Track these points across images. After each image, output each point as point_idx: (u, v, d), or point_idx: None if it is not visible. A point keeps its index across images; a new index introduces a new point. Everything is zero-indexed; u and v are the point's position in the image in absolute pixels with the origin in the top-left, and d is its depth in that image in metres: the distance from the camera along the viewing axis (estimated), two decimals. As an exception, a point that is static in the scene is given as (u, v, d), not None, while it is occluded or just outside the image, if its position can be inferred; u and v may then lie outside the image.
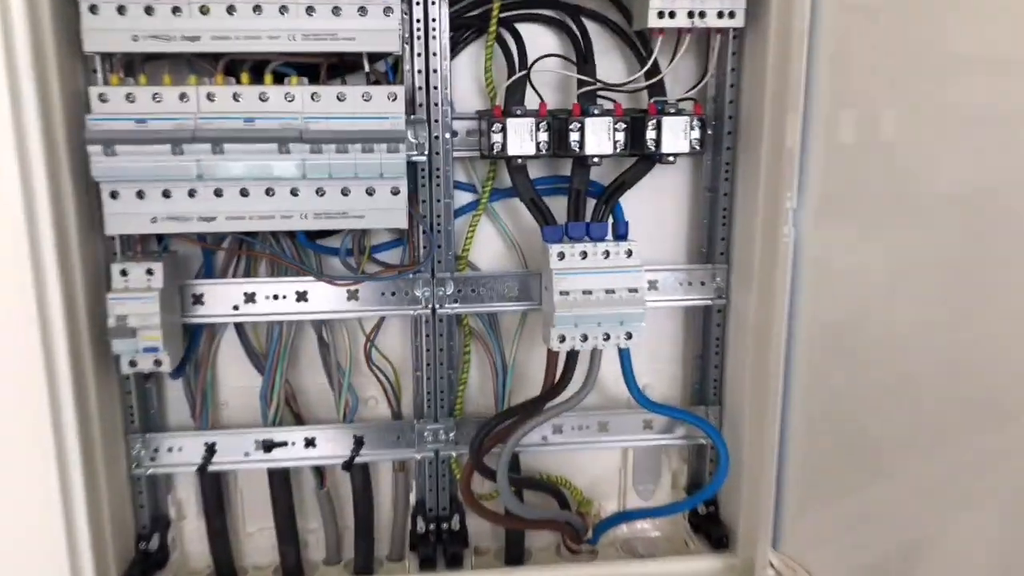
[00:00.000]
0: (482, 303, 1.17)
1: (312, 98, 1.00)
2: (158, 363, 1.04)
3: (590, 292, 1.08)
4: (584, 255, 1.09)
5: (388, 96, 1.01)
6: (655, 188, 1.20)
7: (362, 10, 0.98)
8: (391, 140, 1.00)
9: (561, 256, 1.09)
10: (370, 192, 1.04)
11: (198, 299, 1.12)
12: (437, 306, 1.16)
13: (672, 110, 1.07)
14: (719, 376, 1.24)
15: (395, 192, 1.04)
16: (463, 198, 1.21)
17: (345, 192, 1.03)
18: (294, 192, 1.02)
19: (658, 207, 1.23)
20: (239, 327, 1.18)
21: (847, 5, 0.94)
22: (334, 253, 1.15)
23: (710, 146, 1.16)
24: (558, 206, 1.17)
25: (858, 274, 0.97)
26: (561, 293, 1.07)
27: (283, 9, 0.97)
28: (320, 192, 1.03)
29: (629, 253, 1.10)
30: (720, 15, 1.04)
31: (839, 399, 1.01)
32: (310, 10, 0.98)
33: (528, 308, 1.18)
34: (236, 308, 1.13)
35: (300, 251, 1.15)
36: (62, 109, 0.97)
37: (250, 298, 1.13)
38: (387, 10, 0.99)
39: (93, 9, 0.95)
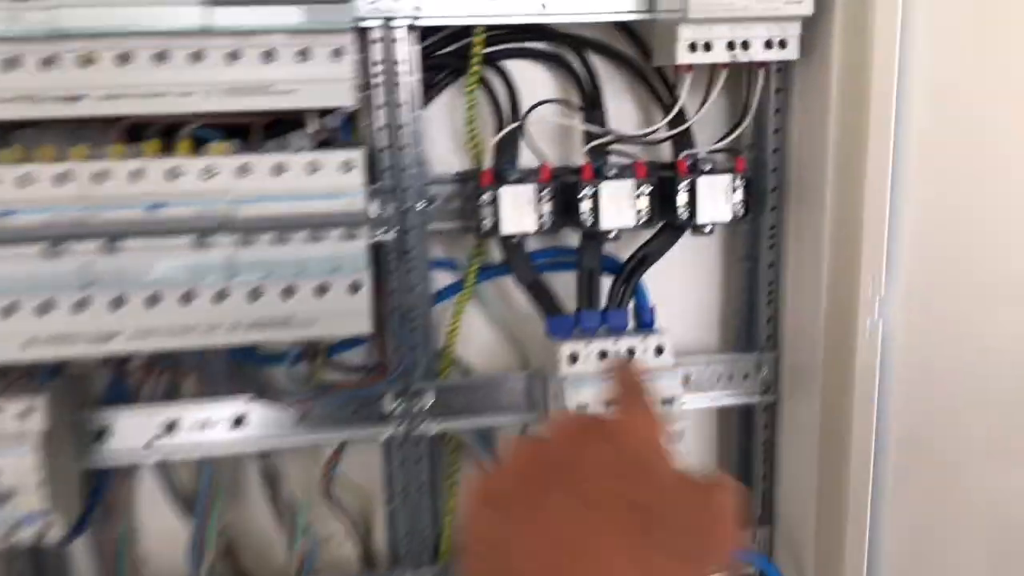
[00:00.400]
0: (472, 416, 0.92)
1: (241, 171, 0.75)
2: (43, 533, 0.77)
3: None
4: (603, 355, 0.85)
5: (342, 165, 0.76)
6: (678, 256, 0.96)
7: (303, 54, 0.74)
8: (348, 223, 0.75)
9: (574, 359, 0.85)
10: (322, 290, 0.79)
11: (102, 434, 0.86)
12: (413, 425, 0.91)
13: (708, 166, 0.83)
14: (767, 489, 1.00)
15: (355, 289, 0.79)
16: (444, 279, 0.96)
17: (289, 293, 0.78)
18: (220, 297, 0.77)
19: (683, 280, 1.00)
20: (162, 467, 0.91)
21: (952, 28, 0.71)
22: (279, 361, 0.89)
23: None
24: (562, 283, 0.93)
25: (963, 376, 0.74)
26: (578, 407, 0.83)
27: (196, 56, 0.72)
28: (255, 295, 0.77)
29: (660, 350, 0.86)
30: (768, 45, 0.81)
31: (936, 531, 0.78)
32: (233, 56, 0.73)
33: (530, 422, 0.94)
34: (153, 442, 0.87)
35: (234, 363, 0.89)
36: None
37: (171, 428, 0.87)
38: (336, 53, 0.74)
39: (-69, 63, 0.69)
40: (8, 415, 0.76)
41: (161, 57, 0.72)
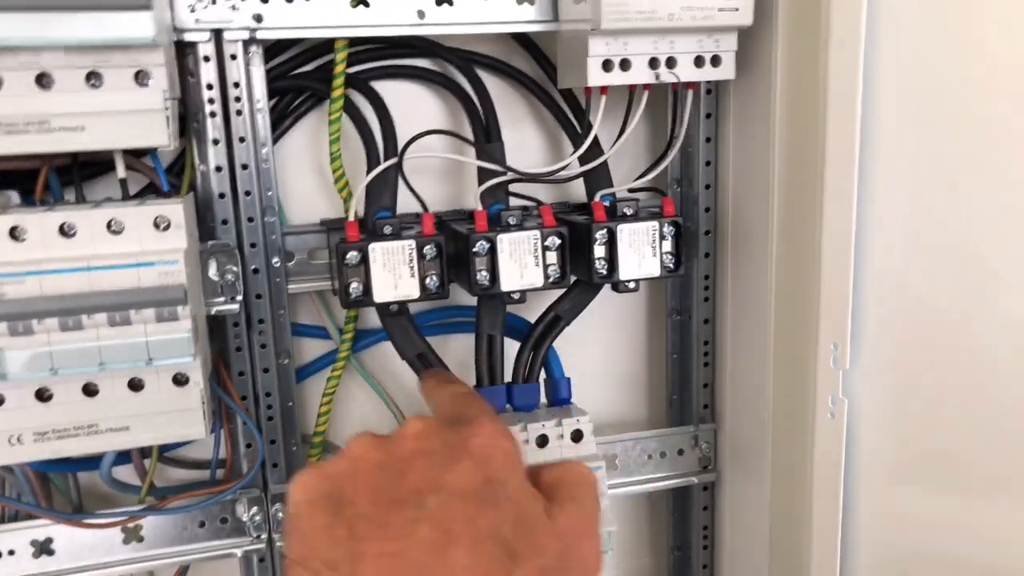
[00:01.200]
0: (351, 521, 0.74)
1: (12, 236, 0.56)
2: None
3: (524, 512, 0.67)
4: (508, 447, 0.68)
5: (155, 223, 0.58)
6: (595, 314, 0.80)
7: (94, 78, 0.55)
8: (162, 303, 0.57)
9: (472, 453, 0.68)
10: (136, 387, 0.60)
11: None
12: (276, 535, 0.73)
13: (630, 211, 0.68)
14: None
15: (180, 382, 0.61)
16: (312, 348, 0.78)
17: (90, 392, 0.59)
18: (-7, 401, 0.57)
19: (602, 343, 0.84)
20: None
21: (930, 26, 0.57)
22: (95, 466, 0.69)
23: (680, 253, 0.78)
24: (461, 348, 0.76)
25: (950, 467, 0.60)
26: (477, 520, 0.66)
27: (-62, 81, 0.53)
28: (44, 396, 0.58)
29: (578, 436, 0.70)
30: (699, 62, 0.66)
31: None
32: (-8, 82, 0.54)
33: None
34: (-75, 582, 0.66)
35: (36, 475, 0.69)
36: None
37: (-51, 562, 0.66)
38: (141, 77, 0.56)
39: None
40: None
41: None
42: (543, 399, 0.73)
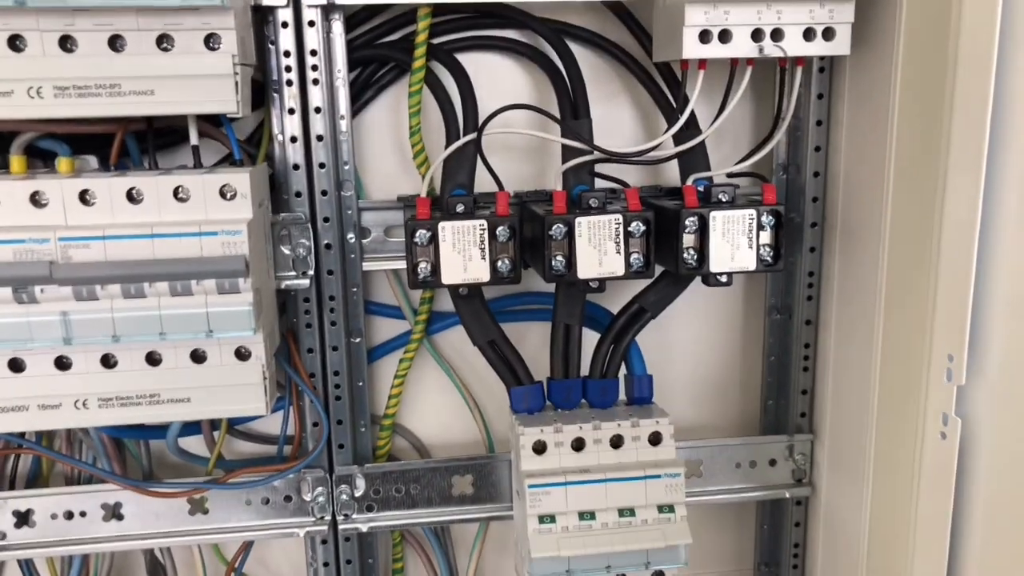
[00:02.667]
0: (414, 508, 0.72)
1: (83, 200, 0.55)
2: None
3: (591, 516, 0.63)
4: (579, 445, 0.64)
5: (221, 192, 0.56)
6: (684, 308, 0.75)
7: (165, 41, 0.54)
8: (222, 274, 0.55)
9: (540, 448, 0.64)
10: (198, 359, 0.59)
11: (-64, 525, 0.67)
12: (340, 517, 0.71)
13: (725, 197, 0.62)
14: (799, 604, 0.78)
15: (243, 356, 0.59)
16: (386, 328, 0.76)
17: (153, 361, 0.58)
18: (61, 365, 0.57)
19: (691, 340, 0.78)
20: (24, 565, 0.72)
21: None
22: (164, 434, 0.69)
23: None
24: (538, 335, 0.73)
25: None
26: (541, 520, 0.62)
27: (15, 42, 0.53)
28: (109, 363, 0.58)
29: (657, 439, 0.65)
30: (808, 36, 0.59)
31: None
32: (67, 44, 0.53)
33: (492, 516, 0.73)
34: (2, 537, 0.68)
35: (110, 440, 0.70)
36: None
37: (25, 519, 0.68)
38: (212, 41, 0.54)
39: None
40: None
41: (-35, 43, 0.52)
42: (622, 396, 0.69)
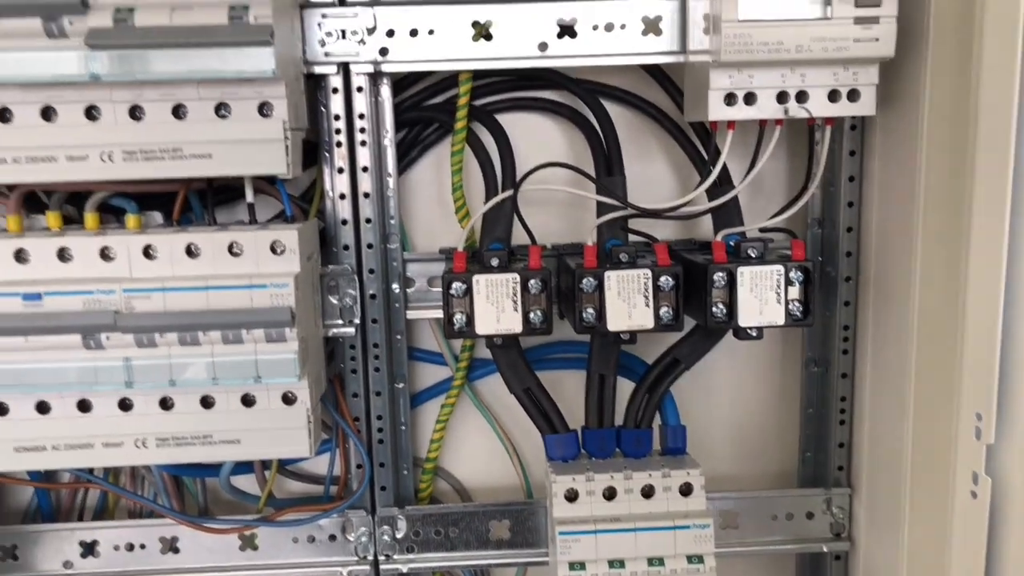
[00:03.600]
0: (453, 551, 0.74)
1: (146, 255, 0.60)
2: None
3: (621, 565, 0.64)
4: (611, 494, 0.66)
5: (272, 248, 0.61)
6: (719, 360, 0.76)
7: (222, 109, 0.59)
8: (270, 324, 0.59)
9: (572, 496, 0.66)
10: (248, 402, 0.63)
11: (10, 553, 0.72)
12: (381, 558, 0.73)
13: (753, 252, 0.63)
14: (840, 662, 0.77)
15: (289, 401, 0.63)
16: (429, 374, 0.79)
17: (207, 404, 0.63)
18: (123, 407, 0.62)
19: (725, 391, 0.79)
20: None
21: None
22: (217, 472, 0.73)
23: (817, 300, 0.72)
24: (572, 386, 0.74)
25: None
26: (572, 568, 0.63)
27: (91, 112, 0.58)
28: (166, 405, 0.62)
29: (688, 490, 0.66)
30: (833, 97, 0.61)
31: None
32: (135, 112, 0.58)
33: (529, 561, 0.75)
34: (69, 566, 0.73)
35: (170, 477, 0.74)
36: None
37: (90, 550, 0.72)
38: (265, 108, 0.59)
39: None
40: None
41: (48, 112, 0.58)
42: (656, 446, 0.70)
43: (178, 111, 0.58)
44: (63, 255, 0.60)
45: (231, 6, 0.55)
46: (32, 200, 0.65)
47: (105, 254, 0.60)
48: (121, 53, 0.55)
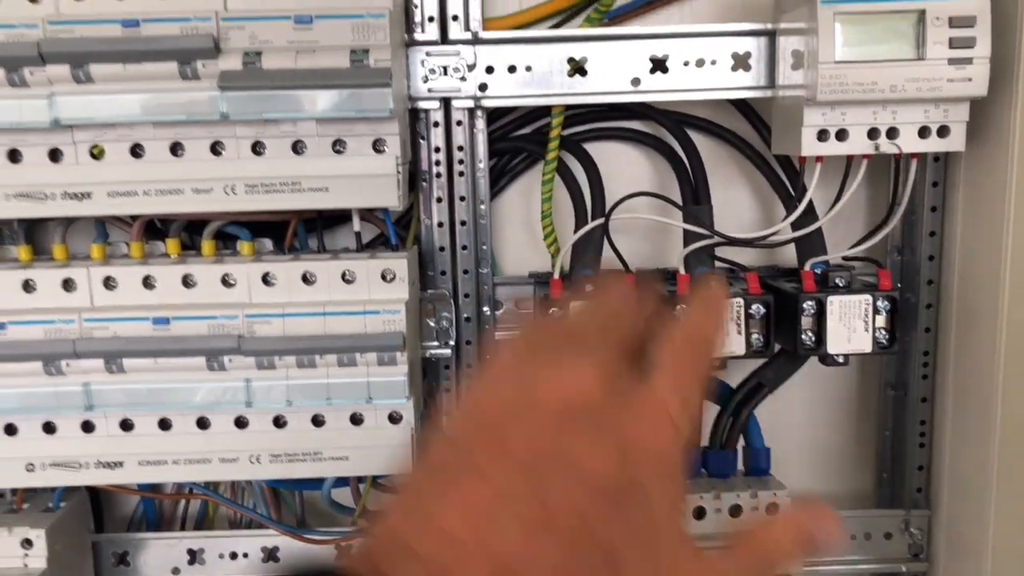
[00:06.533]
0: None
1: (264, 281, 0.64)
2: None
3: (711, 581, 0.66)
4: (700, 513, 0.68)
5: (382, 275, 0.64)
6: (801, 384, 0.78)
7: (339, 145, 0.62)
8: (383, 348, 0.62)
9: (662, 515, 0.68)
10: (356, 421, 0.66)
11: (122, 559, 0.76)
12: (472, 570, 0.76)
13: (842, 282, 0.66)
14: None
15: (395, 420, 0.66)
16: (515, 394, 0.81)
17: (318, 422, 0.66)
18: (239, 424, 0.66)
19: (807, 414, 0.81)
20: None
21: None
22: (317, 487, 0.77)
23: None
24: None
25: None
26: (663, 583, 0.66)
27: (216, 148, 0.62)
28: (280, 423, 0.66)
29: (775, 510, 0.68)
30: (923, 134, 0.63)
31: None
32: (257, 148, 0.62)
33: None
34: (176, 572, 0.77)
35: (270, 490, 0.78)
36: None
37: (196, 557, 0.76)
38: (378, 144, 0.62)
39: (-68, 156, 0.62)
40: (9, 546, 0.67)
41: (176, 148, 0.62)
42: (740, 467, 0.72)
43: (297, 147, 0.62)
44: (187, 281, 0.64)
45: (352, 50, 0.59)
46: (148, 227, 0.69)
47: (226, 281, 0.64)
48: (249, 94, 0.59)
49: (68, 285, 0.64)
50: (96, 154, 0.62)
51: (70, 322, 0.62)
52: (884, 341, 0.65)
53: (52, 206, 0.62)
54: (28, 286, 0.64)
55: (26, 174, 0.62)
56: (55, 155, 0.62)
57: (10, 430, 0.65)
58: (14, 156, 0.62)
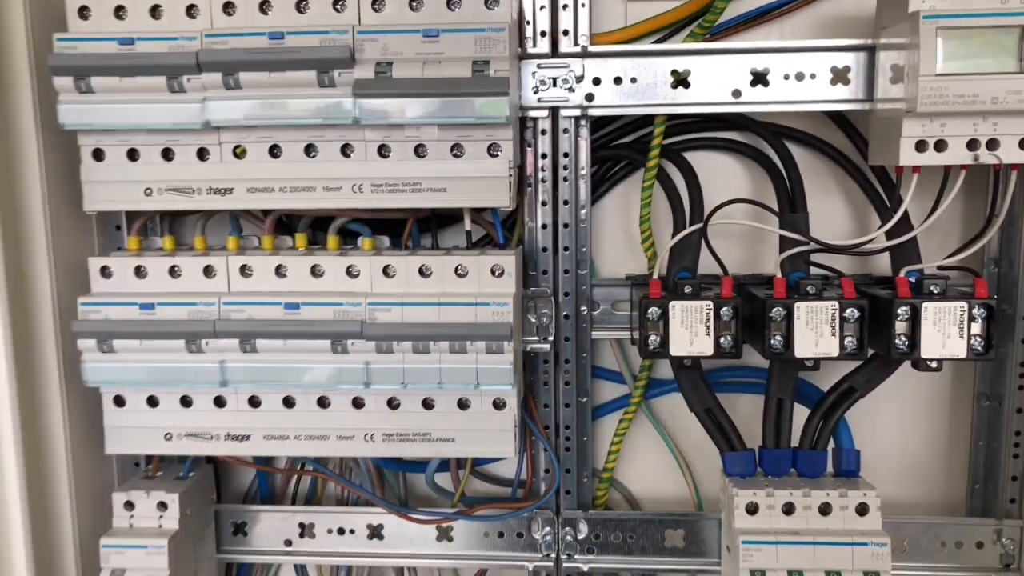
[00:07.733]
0: (629, 555, 0.80)
1: (385, 273, 0.69)
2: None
3: (800, 575, 0.68)
4: (789, 509, 0.70)
5: (492, 270, 0.69)
6: (893, 389, 0.79)
7: (457, 149, 0.67)
8: (492, 337, 0.67)
9: (752, 509, 0.71)
10: (463, 406, 0.71)
11: (240, 529, 0.83)
12: (563, 556, 0.80)
13: (937, 288, 0.67)
14: None
15: (499, 406, 0.71)
16: (608, 390, 0.85)
17: (428, 405, 0.71)
18: (356, 404, 0.71)
19: (899, 419, 0.82)
20: (299, 568, 0.87)
21: None
22: (422, 468, 0.82)
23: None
24: (750, 406, 0.79)
25: None
26: (752, 575, 0.68)
27: (346, 150, 0.68)
28: (393, 404, 0.71)
29: (864, 510, 0.70)
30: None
31: None
32: (383, 151, 0.68)
33: (700, 569, 0.80)
34: (288, 544, 0.82)
35: (376, 469, 0.83)
36: (55, 287, 0.72)
37: (307, 531, 0.82)
38: (493, 149, 0.67)
39: (97, 154, 0.70)
40: (146, 507, 0.74)
41: (310, 150, 0.68)
42: (829, 468, 0.74)
43: (419, 150, 0.67)
44: (315, 271, 0.70)
45: (474, 60, 0.64)
46: (277, 223, 0.76)
47: (350, 272, 0.69)
48: (381, 101, 0.64)
49: (208, 272, 0.70)
50: (239, 153, 0.68)
51: (211, 304, 0.69)
52: (979, 348, 0.66)
53: (198, 199, 0.69)
54: (174, 272, 0.70)
55: (177, 171, 0.69)
56: (202, 154, 0.69)
57: (152, 402, 0.72)
58: (167, 154, 0.69)
